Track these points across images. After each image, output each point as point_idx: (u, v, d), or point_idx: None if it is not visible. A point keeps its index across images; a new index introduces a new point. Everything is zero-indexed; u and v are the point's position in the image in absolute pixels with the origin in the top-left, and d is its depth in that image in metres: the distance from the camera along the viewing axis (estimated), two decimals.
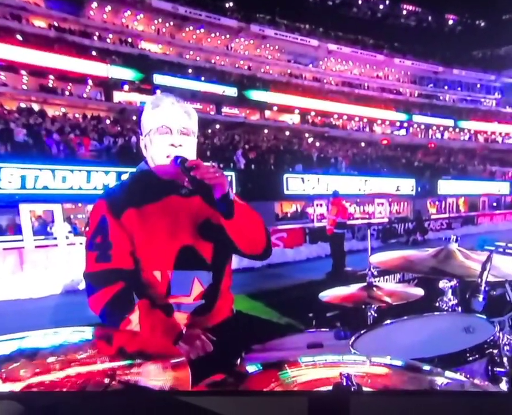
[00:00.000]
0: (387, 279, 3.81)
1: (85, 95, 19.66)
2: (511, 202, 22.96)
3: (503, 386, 0.97)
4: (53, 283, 6.95)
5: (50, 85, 18.61)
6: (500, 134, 32.45)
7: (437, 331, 1.19)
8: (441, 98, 32.01)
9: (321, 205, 15.53)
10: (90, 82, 19.21)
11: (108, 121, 16.88)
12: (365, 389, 0.59)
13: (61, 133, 12.57)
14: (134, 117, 17.10)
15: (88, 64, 18.50)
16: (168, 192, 1.23)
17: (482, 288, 1.06)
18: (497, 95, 34.26)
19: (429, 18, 36.30)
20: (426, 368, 0.75)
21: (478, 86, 33.82)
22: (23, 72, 17.67)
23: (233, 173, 12.59)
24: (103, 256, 1.14)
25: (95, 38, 20.37)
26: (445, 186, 20.21)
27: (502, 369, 0.99)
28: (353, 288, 1.71)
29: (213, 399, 0.50)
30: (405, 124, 29.26)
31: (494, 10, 33.83)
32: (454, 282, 1.43)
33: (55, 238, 9.82)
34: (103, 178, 10.35)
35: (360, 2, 33.20)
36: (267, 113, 24.84)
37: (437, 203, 20.75)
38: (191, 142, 1.26)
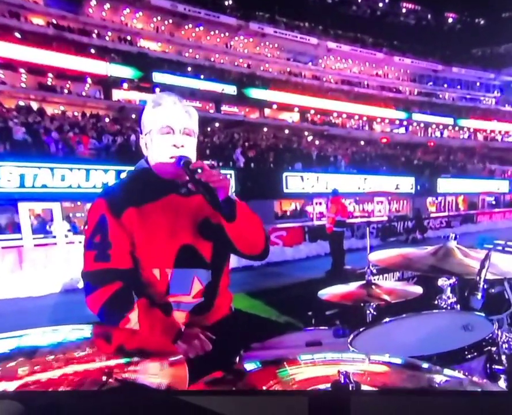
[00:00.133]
0: (386, 277, 3.81)
1: (84, 94, 19.62)
2: (511, 200, 22.99)
3: (502, 384, 0.98)
4: (52, 282, 6.95)
5: (49, 83, 18.57)
6: (500, 132, 32.47)
7: (436, 329, 1.19)
8: (440, 96, 32.00)
9: (320, 203, 15.54)
10: (89, 80, 19.17)
11: (107, 120, 16.85)
12: (364, 387, 0.59)
13: (60, 131, 12.54)
14: (133, 116, 17.08)
15: (87, 62, 18.45)
16: (168, 191, 1.23)
17: (481, 286, 1.06)
18: (496, 93, 34.27)
19: (429, 16, 36.23)
20: (425, 365, 0.75)
21: (478, 84, 33.82)
22: (21, 70, 17.62)
23: (232, 172, 12.58)
24: (102, 256, 1.14)
25: (94, 36, 20.31)
26: (445, 184, 20.23)
27: (500, 367, 0.99)
28: (352, 286, 1.71)
29: (213, 398, 0.50)
30: (405, 123, 29.27)
31: (494, 8, 33.83)
32: (452, 280, 1.43)
33: (54, 237, 9.82)
34: (102, 176, 10.34)
35: (359, 0, 33.13)
36: (267, 111, 24.81)
37: (436, 201, 20.78)
38: (193, 142, 1.27)
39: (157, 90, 18.27)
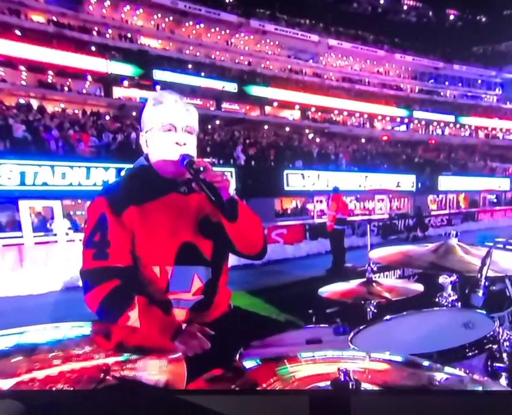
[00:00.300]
0: (386, 275, 3.81)
1: (84, 91, 19.60)
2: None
3: (503, 381, 0.97)
4: (53, 280, 6.96)
5: (49, 81, 18.54)
6: (501, 129, 32.38)
7: (436, 327, 1.18)
8: (442, 94, 31.91)
9: (321, 201, 15.54)
10: (89, 77, 19.14)
11: (107, 118, 16.84)
12: (364, 384, 0.59)
13: (61, 129, 12.54)
14: (134, 113, 17.06)
15: (87, 60, 18.42)
16: (169, 190, 1.23)
17: (482, 283, 1.05)
18: (498, 91, 34.16)
19: (430, 13, 36.10)
20: (426, 363, 0.74)
21: (479, 81, 33.72)
22: (22, 68, 17.60)
23: (233, 170, 12.58)
24: (101, 254, 1.14)
25: (94, 33, 20.28)
26: (446, 182, 20.20)
27: (501, 365, 0.99)
28: (353, 284, 1.71)
29: (212, 397, 0.50)
30: (406, 120, 29.19)
31: (495, 5, 33.67)
32: (453, 278, 1.43)
33: (55, 235, 9.83)
34: (103, 174, 10.34)
35: None
36: (268, 109, 24.77)
37: (437, 199, 20.76)
38: (194, 140, 1.27)
39: (158, 87, 18.25)
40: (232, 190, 1.15)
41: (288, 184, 14.55)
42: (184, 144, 1.22)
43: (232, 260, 1.37)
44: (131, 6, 22.10)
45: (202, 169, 1.11)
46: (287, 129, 23.63)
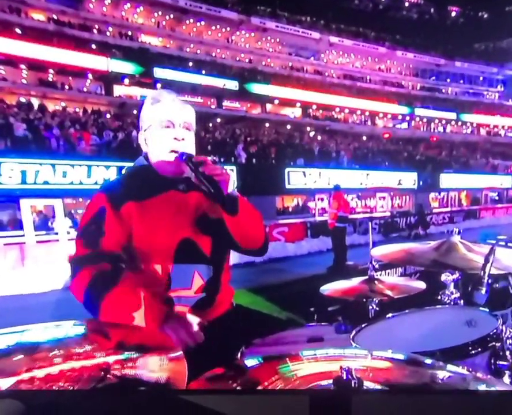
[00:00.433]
0: (388, 273, 3.80)
1: (85, 90, 19.59)
2: None
3: (506, 380, 0.97)
4: (54, 279, 6.97)
5: (50, 79, 18.54)
6: (503, 127, 32.25)
7: (439, 325, 1.18)
8: (443, 91, 31.79)
9: (322, 199, 15.52)
10: (90, 76, 19.12)
11: (108, 116, 16.84)
12: (366, 383, 0.59)
13: (62, 128, 12.55)
14: (135, 112, 17.04)
15: (88, 58, 18.39)
16: (167, 187, 1.24)
17: (485, 281, 1.05)
18: (499, 88, 34.00)
19: (432, 10, 35.94)
20: (428, 361, 0.74)
21: (481, 78, 33.57)
22: (22, 66, 17.60)
23: (234, 168, 12.56)
24: (93, 242, 1.14)
25: (94, 31, 20.26)
26: (448, 180, 20.14)
27: (505, 363, 0.98)
28: (355, 281, 1.71)
29: (213, 397, 0.49)
30: (407, 118, 29.10)
31: (497, 2, 33.49)
32: (456, 275, 1.42)
33: (56, 234, 9.84)
34: (104, 173, 10.35)
35: None
36: (269, 106, 24.73)
37: (439, 196, 20.71)
38: (192, 136, 1.29)
39: (159, 85, 18.24)
40: (232, 184, 1.15)
41: (289, 182, 14.55)
42: (183, 139, 1.24)
43: (233, 258, 1.37)
44: (132, 3, 22.06)
45: (201, 162, 1.12)
46: (288, 127, 23.59)
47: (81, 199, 11.48)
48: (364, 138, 25.33)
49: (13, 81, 17.39)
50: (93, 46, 19.51)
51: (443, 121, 30.45)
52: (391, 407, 0.49)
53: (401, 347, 0.98)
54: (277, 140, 18.95)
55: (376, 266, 1.69)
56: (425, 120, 29.76)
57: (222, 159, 13.23)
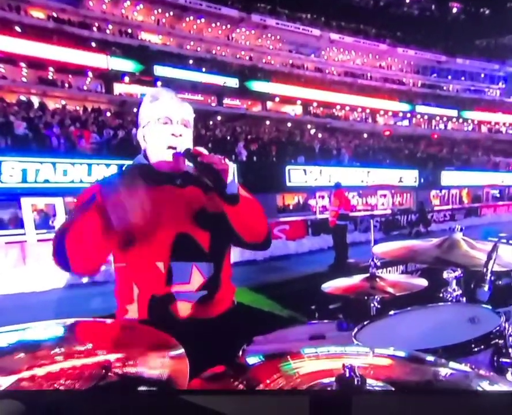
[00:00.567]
0: (389, 270, 3.79)
1: (85, 88, 19.57)
2: None
3: (509, 377, 0.96)
4: (55, 277, 6.98)
5: (50, 77, 18.52)
6: (504, 124, 32.14)
7: (441, 322, 1.17)
8: (444, 88, 31.67)
9: (323, 197, 15.49)
10: (90, 74, 19.10)
11: (108, 114, 16.82)
12: (368, 380, 0.58)
13: (62, 126, 12.54)
14: (135, 109, 17.01)
15: (88, 56, 18.34)
16: (164, 182, 1.26)
17: (488, 278, 1.04)
18: (501, 84, 33.86)
19: (433, 6, 35.75)
20: (430, 358, 0.74)
21: (482, 75, 33.42)
22: (22, 64, 17.57)
23: (235, 165, 12.54)
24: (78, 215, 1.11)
25: (94, 29, 20.19)
26: (449, 177, 20.10)
27: (508, 360, 0.98)
28: (356, 279, 1.70)
29: (212, 397, 0.49)
30: (408, 115, 29.02)
31: None
32: (458, 272, 1.41)
33: None
34: (104, 171, 10.35)
35: None
36: (269, 104, 24.68)
37: (440, 194, 20.68)
38: (189, 133, 1.31)
39: (159, 83, 18.20)
40: (232, 173, 1.15)
41: (289, 180, 14.53)
42: (180, 135, 1.25)
43: (234, 256, 1.36)
44: (131, 1, 21.99)
45: (199, 153, 1.14)
46: (289, 124, 23.54)
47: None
48: (365, 135, 25.27)
49: (13, 79, 17.36)
50: (93, 44, 19.45)
51: (444, 119, 30.35)
52: (392, 407, 0.49)
53: (403, 344, 0.97)
54: (278, 138, 18.91)
55: (378, 264, 1.68)
56: (426, 117, 29.66)
57: (224, 157, 13.22)
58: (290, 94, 24.25)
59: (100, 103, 18.44)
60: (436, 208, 18.02)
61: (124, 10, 22.15)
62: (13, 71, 17.53)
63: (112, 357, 0.63)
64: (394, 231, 12.90)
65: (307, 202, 16.46)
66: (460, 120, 31.03)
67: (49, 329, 0.79)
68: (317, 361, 0.72)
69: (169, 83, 17.57)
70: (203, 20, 23.79)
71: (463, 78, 32.60)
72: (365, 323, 1.19)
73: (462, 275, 1.42)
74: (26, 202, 9.66)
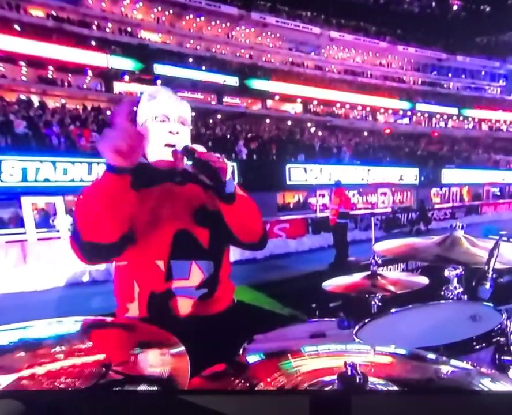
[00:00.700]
0: (390, 268, 3.79)
1: (85, 86, 19.54)
2: None
3: (511, 374, 0.96)
4: (56, 276, 6.99)
5: (49, 76, 18.50)
6: (505, 122, 32.09)
7: (443, 320, 1.17)
8: (445, 86, 31.60)
9: (324, 195, 15.49)
10: (89, 72, 19.07)
11: (108, 113, 16.79)
12: (369, 378, 0.58)
13: (62, 125, 12.53)
14: (135, 108, 16.99)
15: (87, 55, 18.32)
16: (163, 179, 1.26)
17: (490, 275, 1.04)
18: (501, 82, 33.78)
19: (433, 4, 35.65)
20: (431, 356, 0.73)
21: (483, 73, 33.35)
22: (22, 63, 17.55)
23: (235, 164, 12.53)
24: None
25: (94, 27, 20.16)
26: (449, 175, 20.08)
27: (509, 358, 0.97)
28: (356, 277, 1.70)
29: (211, 397, 0.49)
30: (408, 113, 28.97)
31: None
32: (459, 270, 1.41)
33: (58, 231, 9.86)
34: (104, 170, 10.34)
35: None
36: (269, 102, 24.64)
37: (440, 192, 20.66)
38: (187, 131, 1.32)
39: (159, 82, 18.17)
40: (229, 172, 1.16)
41: (290, 178, 14.52)
42: (177, 133, 1.26)
43: (235, 254, 1.36)
44: None
45: (197, 149, 1.15)
46: (289, 122, 23.51)
47: (81, 197, 11.47)
48: (365, 133, 25.24)
49: (13, 78, 17.34)
50: (93, 42, 19.42)
51: (445, 116, 30.31)
52: (392, 407, 0.49)
53: (404, 342, 0.97)
54: (278, 136, 18.90)
55: (379, 261, 1.68)
56: (426, 115, 29.61)
57: (222, 156, 13.21)
58: (290, 92, 24.22)
59: (100, 102, 18.41)
60: (436, 206, 18.00)
61: (124, 8, 22.10)
62: (13, 69, 17.51)
63: (112, 355, 0.63)
64: (394, 229, 12.89)
65: (307, 200, 16.46)
66: (461, 118, 30.98)
67: (50, 327, 0.79)
68: (318, 359, 0.72)
69: (169, 82, 17.52)
70: (202, 18, 23.74)
71: (463, 76, 32.53)
72: (366, 321, 1.19)
73: (463, 272, 1.41)
74: (26, 200, 9.66)
